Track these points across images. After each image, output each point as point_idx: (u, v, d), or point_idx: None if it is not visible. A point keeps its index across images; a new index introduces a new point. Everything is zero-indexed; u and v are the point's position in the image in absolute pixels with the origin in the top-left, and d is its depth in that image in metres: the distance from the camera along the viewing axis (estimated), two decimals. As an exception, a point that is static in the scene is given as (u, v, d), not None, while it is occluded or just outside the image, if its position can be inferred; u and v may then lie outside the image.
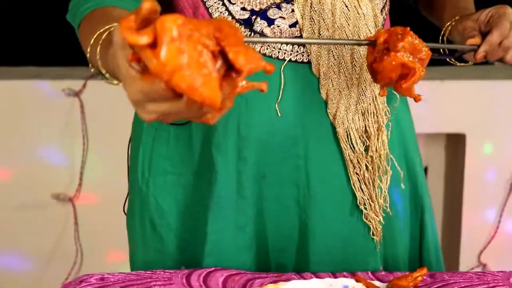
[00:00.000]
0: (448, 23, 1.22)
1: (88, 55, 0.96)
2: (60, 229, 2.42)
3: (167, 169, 1.22)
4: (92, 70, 0.96)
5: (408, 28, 0.97)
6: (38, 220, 2.39)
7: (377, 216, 1.20)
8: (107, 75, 0.92)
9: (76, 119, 2.33)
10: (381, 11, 1.19)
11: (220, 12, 1.13)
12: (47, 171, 2.37)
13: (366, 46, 1.03)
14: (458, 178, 2.53)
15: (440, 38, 1.24)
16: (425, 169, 2.50)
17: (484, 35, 1.15)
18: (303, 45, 1.13)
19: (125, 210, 1.33)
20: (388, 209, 1.23)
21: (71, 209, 2.40)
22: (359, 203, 1.19)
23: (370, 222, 1.21)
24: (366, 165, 1.18)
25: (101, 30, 0.93)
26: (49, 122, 2.35)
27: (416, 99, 0.98)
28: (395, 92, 1.16)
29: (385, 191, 1.21)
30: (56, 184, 2.39)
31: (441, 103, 2.39)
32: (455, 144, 2.55)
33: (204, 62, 0.65)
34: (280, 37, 1.13)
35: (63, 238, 2.42)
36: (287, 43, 1.13)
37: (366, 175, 1.18)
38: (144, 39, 0.64)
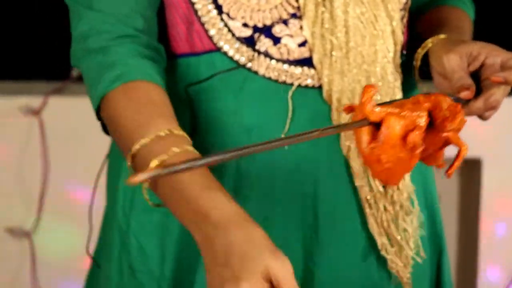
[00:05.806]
0: (430, 40, 1.18)
1: (129, 158, 1.00)
2: (14, 268, 2.31)
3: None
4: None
5: (460, 106, 0.94)
6: (-10, 257, 2.35)
7: (406, 265, 1.17)
8: (146, 190, 0.99)
9: (35, 142, 2.26)
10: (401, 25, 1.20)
11: (218, 29, 1.12)
12: (0, 202, 2.29)
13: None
14: (474, 210, 2.50)
15: (417, 55, 1.19)
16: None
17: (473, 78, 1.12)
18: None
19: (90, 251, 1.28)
20: (422, 253, 1.19)
21: (27, 245, 2.30)
22: (381, 248, 1.17)
23: (393, 269, 1.17)
24: (384, 205, 1.16)
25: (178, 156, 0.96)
26: (3, 144, 2.28)
27: (441, 166, 0.96)
28: None
29: (412, 234, 1.18)
30: (11, 217, 2.30)
31: (454, 123, 2.34)
32: (469, 171, 2.51)
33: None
34: (288, 58, 1.12)
35: (17, 279, 2.31)
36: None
37: (384, 217, 1.16)
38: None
